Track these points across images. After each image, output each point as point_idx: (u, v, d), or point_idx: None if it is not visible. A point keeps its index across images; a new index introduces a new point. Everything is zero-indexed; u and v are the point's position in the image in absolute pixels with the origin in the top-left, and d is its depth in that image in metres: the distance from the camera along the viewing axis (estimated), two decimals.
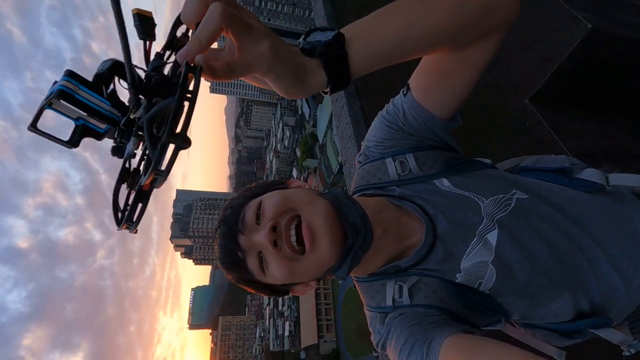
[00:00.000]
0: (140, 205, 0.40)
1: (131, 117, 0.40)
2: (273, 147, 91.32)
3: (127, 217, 0.40)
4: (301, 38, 0.49)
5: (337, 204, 0.65)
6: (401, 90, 0.70)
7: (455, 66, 0.61)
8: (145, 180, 0.37)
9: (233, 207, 0.69)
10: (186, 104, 0.36)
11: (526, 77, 1.65)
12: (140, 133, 0.40)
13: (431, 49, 0.55)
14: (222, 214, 0.70)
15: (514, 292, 0.65)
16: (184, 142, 0.35)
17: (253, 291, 0.72)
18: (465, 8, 0.50)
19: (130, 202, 0.41)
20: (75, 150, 0.41)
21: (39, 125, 0.38)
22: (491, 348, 0.47)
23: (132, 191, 0.41)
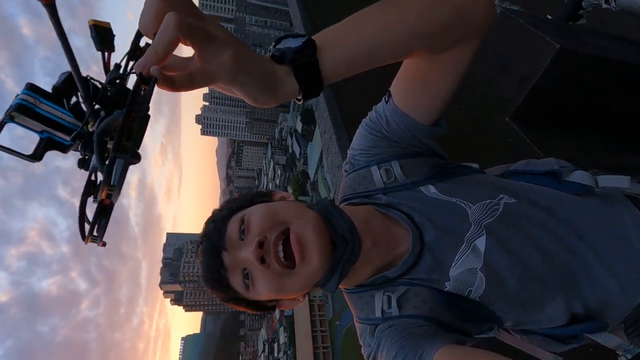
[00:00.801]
0: (103, 219, 0.39)
1: (90, 129, 0.39)
2: (265, 186, 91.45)
3: (90, 231, 0.39)
4: (271, 45, 0.49)
5: (326, 215, 0.64)
6: (383, 97, 0.70)
7: (434, 71, 0.61)
8: (99, 196, 0.37)
9: (216, 221, 0.66)
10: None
11: (506, 97, 1.72)
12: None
13: (407, 53, 0.55)
14: (205, 228, 0.67)
15: (505, 299, 0.64)
16: (132, 157, 0.35)
17: (240, 309, 0.70)
18: (439, 11, 0.51)
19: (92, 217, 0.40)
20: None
21: (0, 140, 0.37)
22: (482, 357, 0.47)
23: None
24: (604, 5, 1.89)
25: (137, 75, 0.37)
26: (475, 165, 0.79)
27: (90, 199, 0.40)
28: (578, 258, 0.65)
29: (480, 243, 0.64)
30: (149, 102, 0.37)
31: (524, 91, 1.58)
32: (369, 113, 0.73)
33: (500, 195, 0.68)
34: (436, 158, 0.73)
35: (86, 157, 0.41)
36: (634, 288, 0.66)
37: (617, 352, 0.70)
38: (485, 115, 1.89)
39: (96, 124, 0.38)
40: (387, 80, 0.69)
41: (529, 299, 0.64)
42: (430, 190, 0.68)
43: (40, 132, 0.39)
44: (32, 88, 0.38)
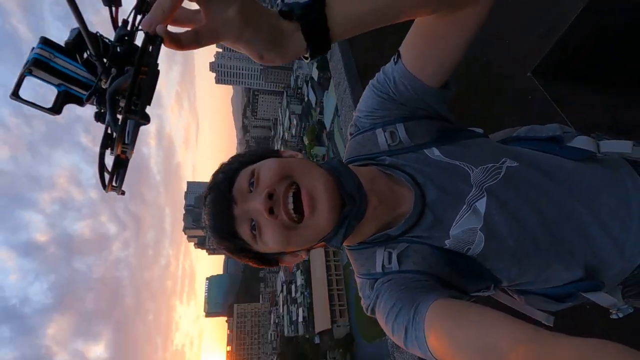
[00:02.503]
0: (120, 171, 0.41)
1: (103, 86, 0.40)
2: (281, 136, 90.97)
3: (110, 181, 0.41)
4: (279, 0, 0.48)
5: (335, 173, 0.65)
6: (392, 58, 0.68)
7: (445, 30, 0.60)
8: (115, 151, 0.39)
9: (226, 172, 0.66)
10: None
11: (528, 51, 1.64)
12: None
13: (418, 11, 0.53)
14: (213, 179, 0.67)
15: (502, 258, 0.66)
16: (142, 118, 0.36)
17: (246, 261, 0.70)
18: None
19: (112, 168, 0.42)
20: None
21: (21, 93, 0.39)
22: (477, 311, 0.48)
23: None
24: None
25: (144, 33, 0.38)
26: (479, 130, 0.79)
27: (108, 151, 0.41)
28: (575, 220, 0.67)
29: (481, 205, 0.65)
30: (156, 61, 0.37)
31: (548, 45, 1.49)
32: (376, 74, 0.71)
33: (503, 159, 0.68)
34: (442, 121, 0.73)
35: (102, 110, 0.42)
36: (631, 250, 0.68)
37: (610, 311, 0.72)
38: (503, 70, 1.81)
39: (108, 83, 0.39)
40: (405, 35, 0.66)
41: (524, 259, 0.66)
42: (434, 152, 0.69)
43: (57, 86, 0.41)
44: (46, 42, 0.39)
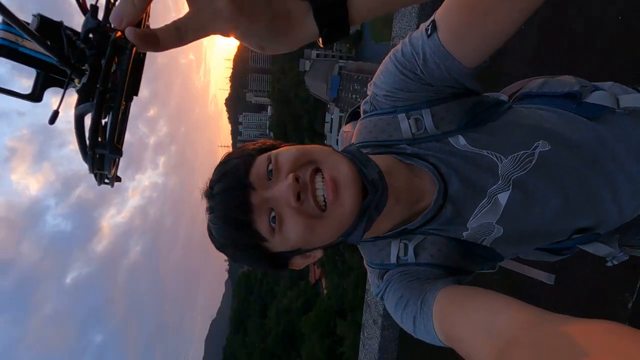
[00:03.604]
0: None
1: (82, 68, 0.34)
2: None
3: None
4: None
5: (356, 161, 0.60)
6: (423, 27, 0.57)
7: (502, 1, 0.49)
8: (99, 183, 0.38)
9: (241, 157, 0.60)
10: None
11: None
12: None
13: None
14: (223, 166, 0.61)
15: (516, 243, 0.66)
16: (111, 151, 0.33)
17: (247, 263, 0.65)
18: None
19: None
20: None
21: None
22: (483, 296, 0.47)
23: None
24: None
25: (110, 38, 0.32)
26: (503, 97, 0.75)
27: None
28: (595, 196, 0.66)
29: (503, 197, 0.62)
30: (125, 81, 0.32)
31: None
32: (400, 42, 0.61)
33: (535, 144, 0.63)
34: (469, 97, 0.65)
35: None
36: (630, 211, 0.69)
37: (606, 259, 0.73)
38: None
39: (81, 81, 0.34)
40: None
41: (537, 239, 0.67)
42: (460, 142, 0.63)
43: (36, 68, 0.35)
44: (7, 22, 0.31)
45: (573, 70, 0.73)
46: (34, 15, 0.33)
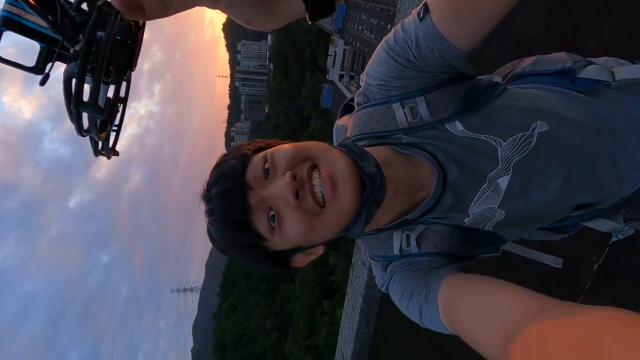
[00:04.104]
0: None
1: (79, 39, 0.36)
2: None
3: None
4: None
5: (352, 155, 0.59)
6: (415, 12, 0.56)
7: None
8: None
9: (236, 158, 0.60)
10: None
11: None
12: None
13: None
14: (220, 168, 0.61)
15: (517, 226, 0.66)
16: (97, 112, 0.35)
17: (248, 263, 0.65)
18: None
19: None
20: None
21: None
22: (487, 284, 0.47)
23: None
24: None
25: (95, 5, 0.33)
26: (497, 79, 0.72)
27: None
28: (597, 173, 0.64)
29: (503, 181, 0.61)
30: (106, 49, 0.33)
31: None
32: (392, 30, 0.60)
33: (533, 125, 0.61)
34: (464, 81, 0.64)
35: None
36: (630, 185, 0.67)
37: (612, 234, 0.73)
38: None
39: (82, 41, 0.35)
40: None
41: (540, 220, 0.67)
42: (457, 128, 0.62)
43: (40, 41, 0.37)
44: None
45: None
46: None
